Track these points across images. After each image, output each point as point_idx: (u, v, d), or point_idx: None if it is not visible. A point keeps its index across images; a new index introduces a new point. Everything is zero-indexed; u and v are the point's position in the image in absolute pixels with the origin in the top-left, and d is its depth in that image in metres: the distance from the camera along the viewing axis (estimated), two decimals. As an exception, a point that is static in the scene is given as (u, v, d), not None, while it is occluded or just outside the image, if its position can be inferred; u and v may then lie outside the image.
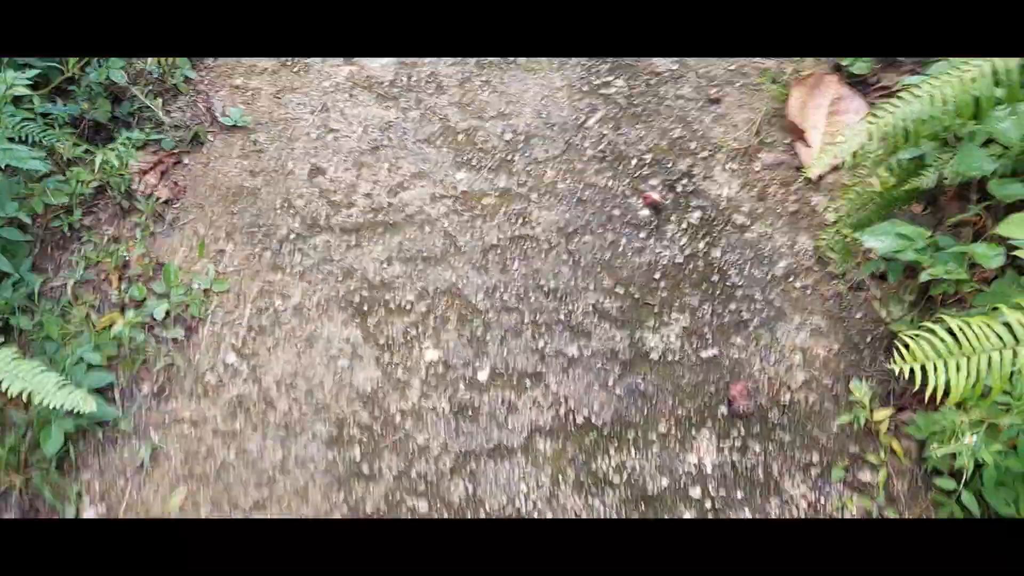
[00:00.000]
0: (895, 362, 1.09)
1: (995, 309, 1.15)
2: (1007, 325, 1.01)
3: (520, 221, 2.08)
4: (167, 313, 1.84)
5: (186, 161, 2.20)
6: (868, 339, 1.87)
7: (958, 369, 1.01)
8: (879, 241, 1.71)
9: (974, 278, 1.58)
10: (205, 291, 1.90)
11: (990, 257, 1.45)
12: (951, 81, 1.44)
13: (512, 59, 2.47)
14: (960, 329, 1.04)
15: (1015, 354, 0.98)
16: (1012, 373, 0.97)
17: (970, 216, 1.70)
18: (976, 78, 1.42)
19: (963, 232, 1.85)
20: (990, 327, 1.02)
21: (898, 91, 2.46)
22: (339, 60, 2.48)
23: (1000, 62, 1.42)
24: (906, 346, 1.10)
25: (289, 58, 2.48)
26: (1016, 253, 1.36)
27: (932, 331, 1.08)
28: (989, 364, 0.98)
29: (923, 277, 1.62)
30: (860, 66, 2.34)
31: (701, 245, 2.02)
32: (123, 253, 1.94)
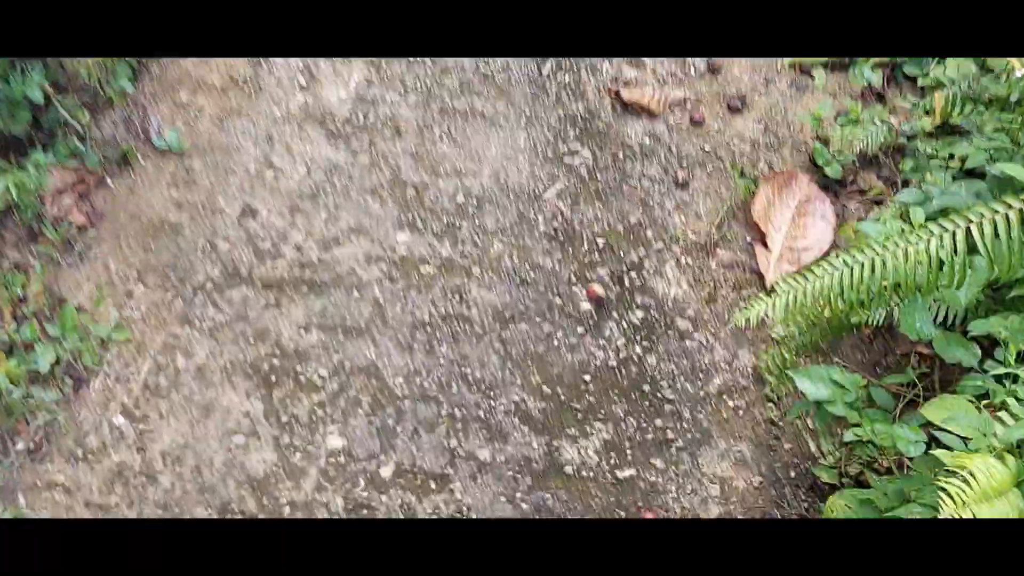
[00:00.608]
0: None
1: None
2: None
3: (457, 298, 1.97)
4: (57, 360, 1.71)
5: (109, 183, 2.05)
6: (793, 474, 1.80)
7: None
8: (811, 386, 1.62)
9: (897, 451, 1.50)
10: (103, 339, 1.77)
11: (910, 444, 1.37)
12: (896, 252, 1.34)
13: (479, 111, 2.33)
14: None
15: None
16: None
17: (908, 379, 1.62)
18: (920, 254, 1.33)
19: (900, 374, 1.77)
20: None
21: (870, 196, 2.39)
22: (295, 86, 2.33)
23: (948, 238, 1.33)
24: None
25: (240, 77, 2.32)
26: (936, 451, 1.28)
27: None
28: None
29: (848, 437, 1.54)
30: (834, 168, 2.24)
31: (638, 350, 1.93)
32: (20, 286, 1.80)
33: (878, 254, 1.35)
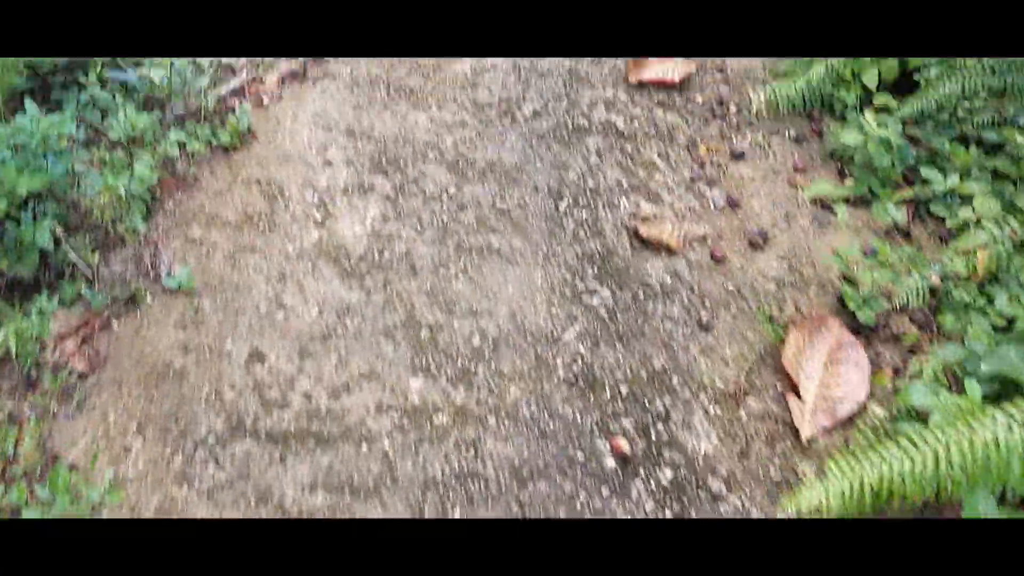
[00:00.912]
0: None
1: None
2: None
3: (472, 452, 1.85)
4: (41, 529, 1.59)
5: (115, 325, 1.98)
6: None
7: None
8: (866, 574, 1.48)
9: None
10: (95, 503, 1.65)
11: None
12: (960, 440, 1.24)
13: (495, 248, 2.29)
14: None
15: None
16: None
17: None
18: (988, 443, 1.22)
19: None
20: None
21: (905, 343, 2.30)
22: (310, 222, 2.31)
23: (1018, 427, 1.22)
24: None
25: (255, 213, 2.30)
26: None
27: None
28: None
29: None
30: (866, 313, 2.16)
31: (668, 514, 1.78)
32: (12, 442, 1.70)
33: (941, 442, 1.25)
